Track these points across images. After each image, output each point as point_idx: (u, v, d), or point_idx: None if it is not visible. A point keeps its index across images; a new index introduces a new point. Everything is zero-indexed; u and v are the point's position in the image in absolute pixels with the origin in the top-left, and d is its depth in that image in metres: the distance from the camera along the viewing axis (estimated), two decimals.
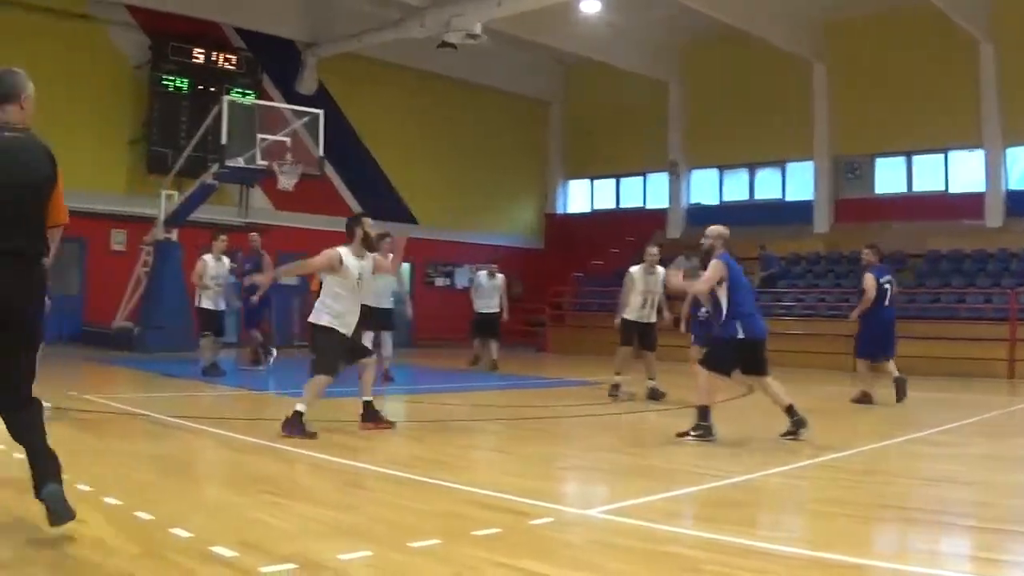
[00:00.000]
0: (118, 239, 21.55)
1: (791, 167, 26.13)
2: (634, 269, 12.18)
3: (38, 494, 4.31)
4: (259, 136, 17.67)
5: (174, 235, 19.61)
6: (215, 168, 17.80)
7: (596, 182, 30.91)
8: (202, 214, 19.64)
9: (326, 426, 8.16)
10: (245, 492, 5.72)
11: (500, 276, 16.98)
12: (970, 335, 18.32)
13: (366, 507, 5.50)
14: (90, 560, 4.03)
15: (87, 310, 20.98)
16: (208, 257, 13.97)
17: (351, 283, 8.17)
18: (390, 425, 8.65)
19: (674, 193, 27.81)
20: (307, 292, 16.49)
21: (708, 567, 4.24)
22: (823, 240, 24.31)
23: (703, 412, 8.18)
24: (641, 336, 12.12)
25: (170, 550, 4.20)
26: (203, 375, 13.45)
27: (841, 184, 24.84)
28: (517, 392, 13.62)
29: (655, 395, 11.85)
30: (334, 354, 8.15)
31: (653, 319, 12.17)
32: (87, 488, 5.42)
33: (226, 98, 18.19)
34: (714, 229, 8.53)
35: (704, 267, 8.41)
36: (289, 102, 21.81)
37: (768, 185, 26.78)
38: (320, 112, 18.93)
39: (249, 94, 22.18)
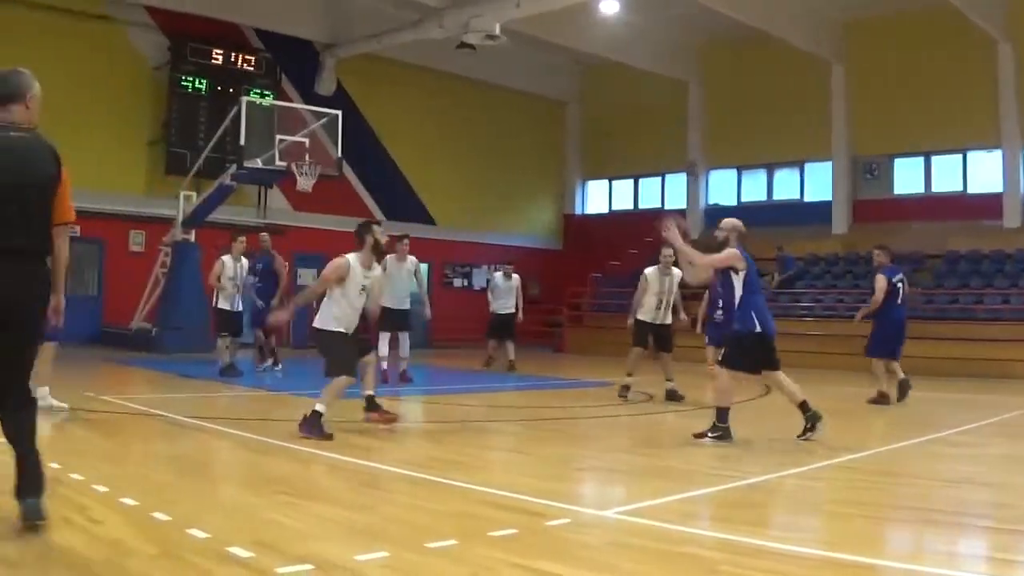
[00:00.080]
0: (136, 240, 21.67)
1: (809, 167, 26.02)
2: (649, 270, 12.11)
3: (17, 499, 4.35)
4: (277, 137, 17.67)
5: (192, 236, 19.65)
6: (233, 169, 17.86)
7: (614, 183, 30.80)
8: (220, 215, 19.70)
9: (342, 427, 8.17)
10: (261, 493, 5.73)
11: (516, 277, 16.96)
12: (988, 336, 18.26)
13: (382, 508, 5.50)
14: (109, 561, 4.05)
15: (106, 311, 21.05)
16: (227, 258, 14.02)
17: (354, 292, 8.19)
18: (394, 417, 8.78)
19: (692, 194, 27.73)
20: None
21: (724, 568, 4.23)
22: (841, 241, 24.20)
23: (721, 414, 8.15)
24: (656, 338, 12.05)
25: (187, 551, 4.21)
26: (220, 376, 13.47)
27: (860, 184, 24.72)
28: (535, 393, 13.61)
29: (674, 396, 11.77)
30: (349, 353, 8.17)
31: (668, 320, 12.10)
32: (104, 489, 5.46)
33: (245, 99, 18.25)
34: (728, 221, 8.51)
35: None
36: (307, 103, 21.87)
37: (786, 186, 26.67)
38: (338, 113, 18.95)
39: (268, 95, 22.30)
